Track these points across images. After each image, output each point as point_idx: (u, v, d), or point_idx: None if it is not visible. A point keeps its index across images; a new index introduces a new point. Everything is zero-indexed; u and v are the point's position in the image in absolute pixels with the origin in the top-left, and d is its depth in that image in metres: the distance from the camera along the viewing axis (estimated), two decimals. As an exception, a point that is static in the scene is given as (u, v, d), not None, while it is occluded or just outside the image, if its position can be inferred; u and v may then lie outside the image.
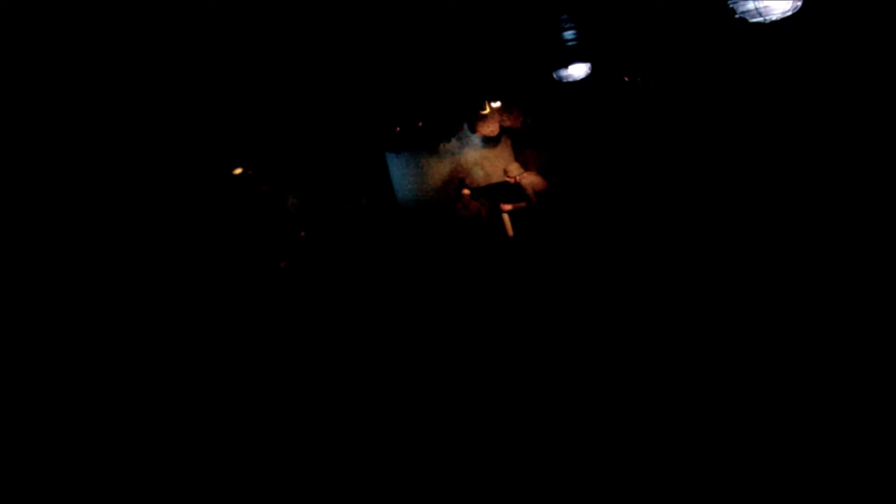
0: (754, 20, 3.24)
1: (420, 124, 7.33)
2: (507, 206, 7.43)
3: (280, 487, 3.97)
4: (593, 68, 5.35)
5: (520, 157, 7.89)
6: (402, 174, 8.00)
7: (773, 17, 3.14)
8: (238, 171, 6.26)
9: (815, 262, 4.68)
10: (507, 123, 7.46)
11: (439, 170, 8.09)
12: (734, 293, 5.04)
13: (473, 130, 7.61)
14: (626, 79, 6.06)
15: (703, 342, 4.49)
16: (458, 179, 7.75)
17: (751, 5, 3.21)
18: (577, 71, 5.39)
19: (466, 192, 7.59)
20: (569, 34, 5.00)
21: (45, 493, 3.61)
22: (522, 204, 7.36)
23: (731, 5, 3.30)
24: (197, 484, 4.12)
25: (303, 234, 7.29)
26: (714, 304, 5.04)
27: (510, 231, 7.59)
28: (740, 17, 3.30)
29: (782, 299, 4.62)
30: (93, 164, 4.57)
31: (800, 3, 3.15)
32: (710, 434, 3.44)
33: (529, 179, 7.32)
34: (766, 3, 3.15)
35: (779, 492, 2.87)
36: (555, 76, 5.50)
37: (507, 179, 7.42)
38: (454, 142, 8.03)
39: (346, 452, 4.21)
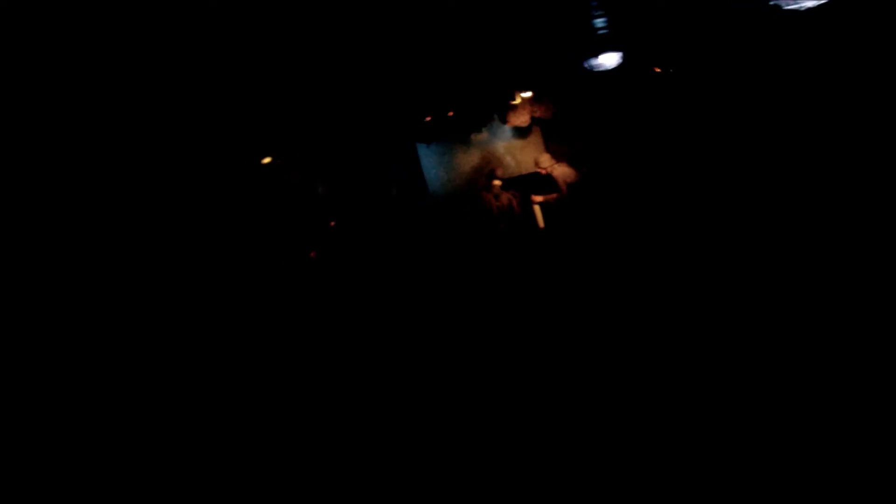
0: (788, 7, 3.06)
1: (451, 114, 7.29)
2: (539, 198, 7.34)
3: (311, 479, 4.09)
4: (624, 58, 5.20)
5: (551, 147, 7.75)
6: (432, 164, 8.00)
7: (808, 5, 2.96)
8: (267, 160, 6.38)
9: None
10: (538, 114, 7.33)
11: (470, 160, 8.05)
12: (770, 287, 4.86)
13: (504, 121, 7.52)
14: (658, 69, 5.85)
15: (740, 337, 4.37)
16: (488, 170, 7.69)
17: (785, -9, 3.04)
18: (609, 60, 5.24)
19: (497, 182, 7.52)
20: (599, 22, 4.86)
21: (54, 491, 3.75)
22: (554, 195, 7.25)
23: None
24: (231, 472, 4.29)
25: (333, 223, 7.40)
26: (751, 299, 4.87)
27: (541, 222, 7.50)
28: (774, 4, 3.13)
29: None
30: (125, 158, 4.77)
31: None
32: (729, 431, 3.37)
33: (561, 170, 7.21)
34: (800, -11, 2.98)
35: (779, 491, 2.80)
36: (586, 66, 5.37)
37: (539, 170, 7.33)
38: (485, 132, 7.96)
39: (372, 444, 4.30)
